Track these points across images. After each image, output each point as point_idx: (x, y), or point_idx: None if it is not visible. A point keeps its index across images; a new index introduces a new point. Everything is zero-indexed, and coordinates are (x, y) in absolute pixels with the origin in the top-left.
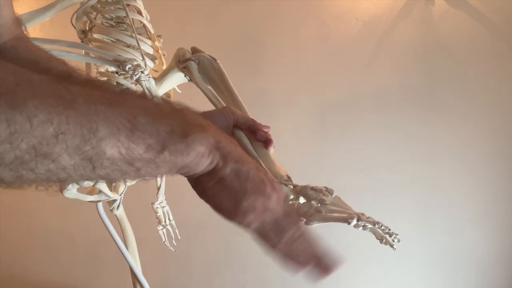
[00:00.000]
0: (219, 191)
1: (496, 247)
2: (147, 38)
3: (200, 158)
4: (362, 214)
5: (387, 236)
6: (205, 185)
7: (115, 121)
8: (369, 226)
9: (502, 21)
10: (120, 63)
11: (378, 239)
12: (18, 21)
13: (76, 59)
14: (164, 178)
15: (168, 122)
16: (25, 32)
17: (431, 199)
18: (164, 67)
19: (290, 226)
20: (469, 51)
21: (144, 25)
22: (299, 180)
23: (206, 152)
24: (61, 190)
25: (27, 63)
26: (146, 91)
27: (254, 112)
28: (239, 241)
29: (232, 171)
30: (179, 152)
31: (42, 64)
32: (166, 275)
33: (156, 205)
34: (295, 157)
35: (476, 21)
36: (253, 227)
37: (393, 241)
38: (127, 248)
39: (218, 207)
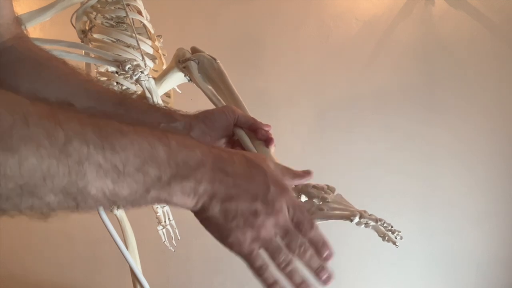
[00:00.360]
0: (207, 225)
1: (496, 247)
2: (147, 38)
3: (185, 199)
4: (364, 211)
5: (389, 233)
6: (196, 216)
7: (105, 166)
8: (372, 223)
9: (502, 21)
10: (120, 63)
11: (381, 236)
12: (18, 21)
13: (76, 59)
14: None
15: (158, 166)
16: (25, 32)
17: (431, 199)
18: (164, 67)
19: (294, 243)
20: (469, 51)
21: (144, 25)
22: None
23: (191, 196)
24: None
25: (27, 62)
26: (146, 91)
27: (254, 112)
28: None
29: (219, 211)
30: (161, 198)
31: (42, 64)
32: (166, 275)
33: (156, 205)
34: (295, 157)
35: (476, 21)
36: (246, 255)
37: (396, 238)
38: (127, 248)
39: (212, 234)
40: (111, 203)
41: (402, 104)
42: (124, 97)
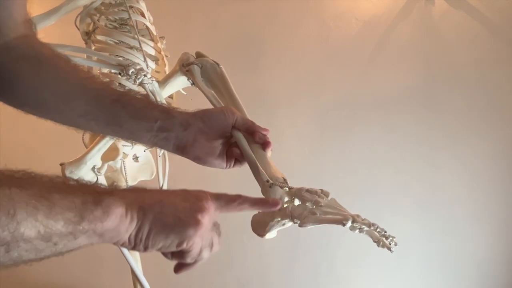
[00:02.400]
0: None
1: (497, 247)
2: (149, 39)
3: (120, 218)
4: (357, 216)
5: (383, 238)
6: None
7: (32, 201)
8: (365, 228)
9: (502, 21)
10: (123, 67)
11: (375, 241)
12: (29, 22)
13: (80, 63)
14: (166, 178)
15: (79, 194)
16: (34, 32)
17: (431, 198)
18: (167, 68)
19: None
20: (469, 51)
21: (146, 27)
22: (299, 180)
23: (124, 211)
24: None
25: (27, 61)
26: (150, 94)
27: (254, 112)
28: (239, 241)
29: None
30: (97, 219)
31: (41, 62)
32: (166, 275)
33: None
34: (295, 157)
35: (476, 21)
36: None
37: (390, 244)
38: None
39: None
40: (46, 242)
41: (402, 104)
42: (122, 94)
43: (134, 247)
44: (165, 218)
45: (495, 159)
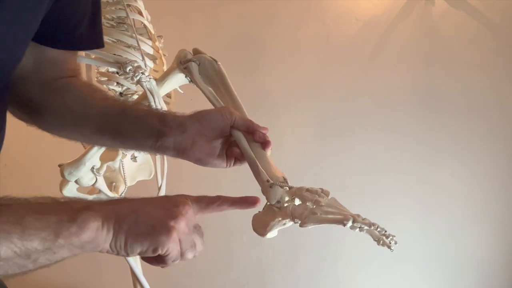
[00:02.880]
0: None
1: (497, 247)
2: (147, 38)
3: (96, 231)
4: (358, 215)
5: (383, 237)
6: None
7: (4, 227)
8: (366, 227)
9: (502, 21)
10: (121, 65)
11: (375, 240)
12: (74, 71)
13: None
14: (165, 178)
15: (54, 214)
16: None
17: (431, 198)
18: (165, 67)
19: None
20: (469, 51)
21: (144, 26)
22: (299, 180)
23: (100, 224)
24: (61, 188)
25: (58, 91)
26: (147, 92)
27: (254, 112)
28: (239, 241)
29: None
30: (73, 234)
31: (70, 91)
32: (166, 275)
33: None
34: (295, 156)
35: (476, 21)
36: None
37: (390, 243)
38: None
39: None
40: (26, 259)
41: (402, 104)
42: (126, 106)
43: (117, 254)
44: (139, 227)
45: (495, 159)
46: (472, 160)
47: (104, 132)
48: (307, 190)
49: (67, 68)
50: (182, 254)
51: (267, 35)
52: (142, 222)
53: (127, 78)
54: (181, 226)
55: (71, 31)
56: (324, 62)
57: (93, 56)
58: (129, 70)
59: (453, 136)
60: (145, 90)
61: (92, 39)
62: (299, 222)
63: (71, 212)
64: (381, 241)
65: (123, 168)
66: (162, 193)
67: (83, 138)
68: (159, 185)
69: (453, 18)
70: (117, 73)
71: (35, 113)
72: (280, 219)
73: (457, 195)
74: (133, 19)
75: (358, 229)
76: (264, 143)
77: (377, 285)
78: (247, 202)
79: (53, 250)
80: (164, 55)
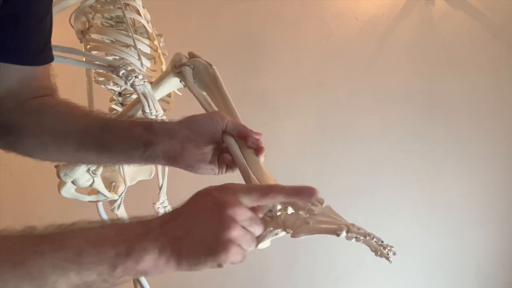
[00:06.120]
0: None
1: (497, 247)
2: (146, 37)
3: (154, 261)
4: (353, 225)
5: (381, 248)
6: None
7: (62, 264)
8: (361, 238)
9: (502, 21)
10: (114, 68)
11: (373, 251)
12: (48, 89)
13: (71, 64)
14: (166, 178)
15: (111, 246)
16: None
17: (432, 199)
18: (164, 66)
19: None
20: (469, 51)
21: (142, 25)
22: (299, 180)
23: (157, 256)
24: (59, 189)
25: (32, 112)
26: (141, 96)
27: (254, 112)
28: None
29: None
30: (129, 268)
31: (45, 111)
32: (166, 275)
33: (157, 205)
34: (295, 157)
35: (476, 21)
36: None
37: (388, 254)
38: None
39: None
40: None
41: (402, 104)
42: (108, 120)
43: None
44: (196, 250)
45: (495, 159)
46: (473, 160)
47: (89, 147)
48: None
49: (39, 86)
50: (245, 253)
51: (267, 35)
52: (198, 244)
53: (121, 80)
54: (236, 234)
55: (29, 46)
56: (324, 62)
57: (85, 60)
58: (122, 74)
59: (453, 136)
60: (139, 94)
61: (48, 54)
62: (291, 232)
63: (128, 243)
64: (379, 252)
65: (123, 168)
66: (163, 193)
67: (67, 157)
68: (160, 185)
69: (453, 18)
70: (113, 73)
71: (11, 135)
72: (271, 229)
73: (457, 195)
74: (133, 18)
75: (354, 239)
76: (257, 150)
77: (377, 285)
78: (302, 194)
79: (110, 281)
80: (164, 54)
